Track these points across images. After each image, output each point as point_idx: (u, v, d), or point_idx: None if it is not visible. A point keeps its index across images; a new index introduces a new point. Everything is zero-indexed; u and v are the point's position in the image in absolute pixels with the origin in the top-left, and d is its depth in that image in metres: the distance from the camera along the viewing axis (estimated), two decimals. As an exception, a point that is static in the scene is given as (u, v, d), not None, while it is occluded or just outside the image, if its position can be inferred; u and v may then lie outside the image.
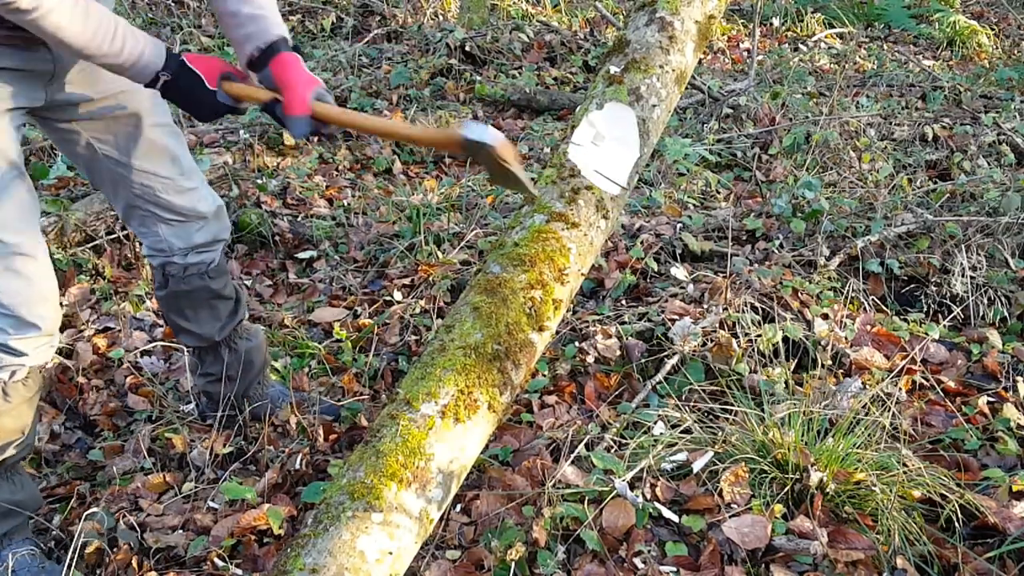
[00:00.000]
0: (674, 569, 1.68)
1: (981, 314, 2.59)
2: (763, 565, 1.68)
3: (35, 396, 1.77)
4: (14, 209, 1.62)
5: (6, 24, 1.50)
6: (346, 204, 3.59)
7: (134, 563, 1.77)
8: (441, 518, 1.71)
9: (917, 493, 1.80)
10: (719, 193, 3.61)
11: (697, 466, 1.86)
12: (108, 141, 1.81)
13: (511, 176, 1.62)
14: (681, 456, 1.90)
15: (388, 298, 2.81)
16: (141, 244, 3.09)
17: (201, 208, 1.94)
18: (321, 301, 2.91)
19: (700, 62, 4.64)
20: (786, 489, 1.79)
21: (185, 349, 2.56)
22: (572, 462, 1.90)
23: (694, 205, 3.43)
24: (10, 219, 1.62)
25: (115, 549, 1.82)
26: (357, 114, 1.77)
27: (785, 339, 2.30)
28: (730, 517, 1.73)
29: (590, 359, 2.37)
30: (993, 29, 6.52)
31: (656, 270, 2.81)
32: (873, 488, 1.75)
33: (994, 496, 1.83)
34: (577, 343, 2.42)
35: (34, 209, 1.68)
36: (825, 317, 2.44)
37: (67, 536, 1.88)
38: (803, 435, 1.87)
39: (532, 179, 1.73)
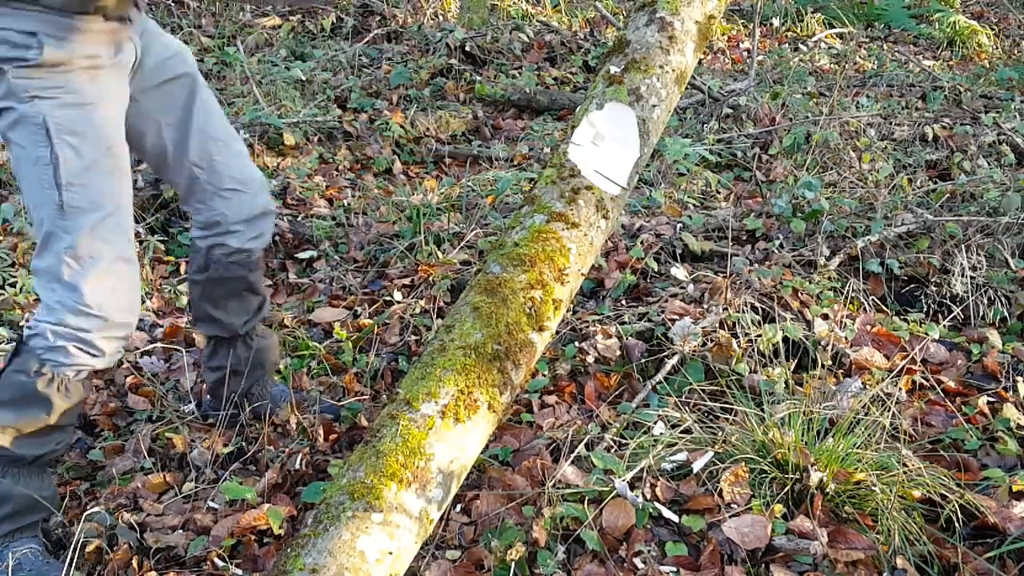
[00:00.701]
0: (674, 569, 1.68)
1: (981, 314, 2.59)
2: (763, 565, 1.68)
3: (84, 399, 1.81)
4: (124, 215, 1.71)
5: (104, 17, 1.60)
6: (346, 204, 3.59)
7: (134, 563, 1.77)
8: (441, 518, 1.71)
9: (917, 493, 1.80)
10: (719, 193, 3.61)
11: (697, 466, 1.86)
12: (168, 110, 1.88)
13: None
14: (681, 456, 1.90)
15: (388, 298, 2.81)
16: (146, 248, 3.11)
17: (252, 174, 2.01)
18: (321, 301, 2.91)
19: (700, 62, 4.64)
20: (786, 489, 1.79)
21: (197, 338, 2.57)
22: (572, 462, 1.90)
23: (694, 205, 3.43)
24: (124, 226, 1.71)
25: (114, 548, 1.82)
26: None
27: (785, 339, 2.30)
28: (730, 517, 1.73)
29: (590, 359, 2.37)
30: (993, 29, 6.52)
31: (656, 270, 2.81)
32: (873, 488, 1.75)
33: (994, 496, 1.83)
34: (577, 343, 2.42)
35: (131, 211, 1.76)
36: (825, 317, 2.44)
37: (67, 536, 1.88)
38: (803, 435, 1.87)
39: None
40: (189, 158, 1.92)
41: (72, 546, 1.69)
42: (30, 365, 1.71)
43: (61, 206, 1.64)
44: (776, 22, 6.65)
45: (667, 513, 1.78)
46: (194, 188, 1.96)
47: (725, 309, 2.42)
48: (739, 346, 2.27)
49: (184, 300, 2.89)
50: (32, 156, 1.63)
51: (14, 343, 1.78)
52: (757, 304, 2.46)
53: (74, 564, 1.69)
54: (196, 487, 2.02)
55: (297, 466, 2.02)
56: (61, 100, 1.61)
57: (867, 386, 2.12)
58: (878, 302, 2.64)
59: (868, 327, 2.46)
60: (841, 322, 2.42)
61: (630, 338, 2.39)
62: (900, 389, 2.15)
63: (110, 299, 1.69)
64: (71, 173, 1.63)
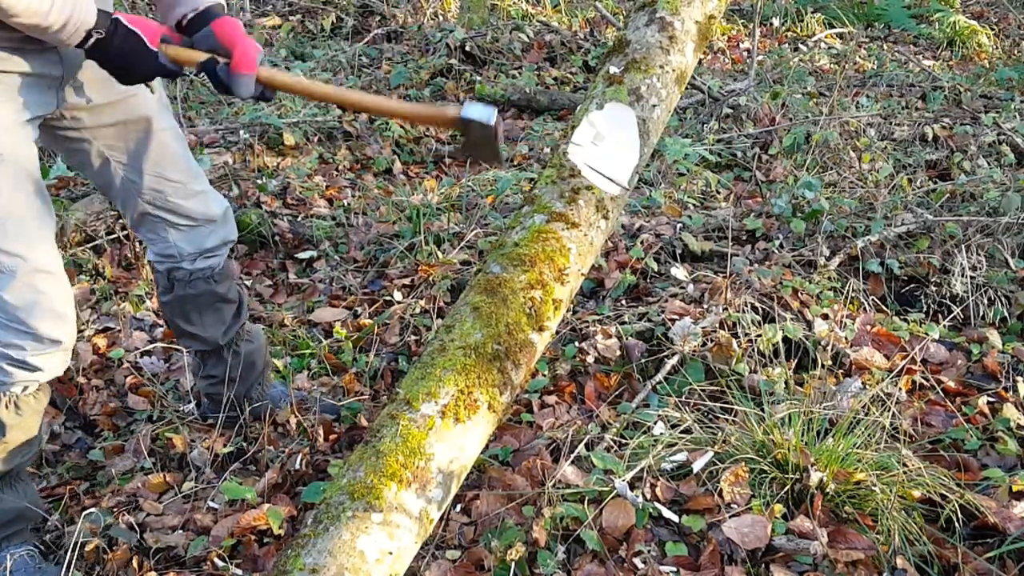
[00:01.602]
0: (674, 569, 1.68)
1: (981, 314, 2.58)
2: (763, 565, 1.68)
3: (44, 407, 1.77)
4: (34, 225, 1.62)
5: (14, 28, 1.49)
6: (346, 204, 3.59)
7: (134, 563, 1.77)
8: (441, 518, 1.71)
9: (917, 493, 1.79)
10: (719, 193, 3.61)
11: (697, 466, 1.86)
12: (118, 148, 1.81)
13: (491, 150, 1.65)
14: (681, 456, 1.90)
15: (388, 298, 2.81)
16: (143, 246, 3.11)
17: (211, 211, 1.95)
18: (321, 301, 2.91)
19: (700, 62, 4.64)
20: (786, 489, 1.79)
21: (186, 351, 2.57)
22: (572, 462, 1.90)
23: (694, 205, 3.43)
24: (31, 236, 1.61)
25: (114, 548, 1.82)
26: (307, 81, 1.75)
27: (785, 339, 2.30)
28: (730, 517, 1.73)
29: (590, 359, 2.36)
30: (993, 29, 6.52)
31: (656, 270, 2.81)
32: (873, 488, 1.75)
33: (994, 496, 1.83)
34: (577, 343, 2.42)
35: (51, 224, 1.67)
36: (825, 317, 2.44)
37: (66, 535, 1.88)
38: (803, 435, 1.87)
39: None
40: (143, 196, 1.86)
41: (71, 546, 1.69)
42: None
43: None
44: (776, 22, 6.64)
45: (667, 513, 1.77)
46: (145, 220, 1.91)
47: (725, 309, 2.42)
48: (739, 346, 2.27)
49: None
50: None
51: None
52: (757, 304, 2.46)
53: (73, 564, 1.69)
54: (196, 487, 2.02)
55: (297, 466, 2.02)
56: None
57: (867, 386, 2.12)
58: (878, 302, 2.64)
59: (868, 327, 2.46)
60: (841, 322, 2.41)
61: (630, 338, 2.39)
62: (900, 389, 2.15)
63: (30, 312, 1.61)
64: None
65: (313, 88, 1.74)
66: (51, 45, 1.56)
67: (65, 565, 1.67)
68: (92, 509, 1.91)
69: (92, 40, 1.54)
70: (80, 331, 2.66)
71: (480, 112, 1.62)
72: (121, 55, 1.57)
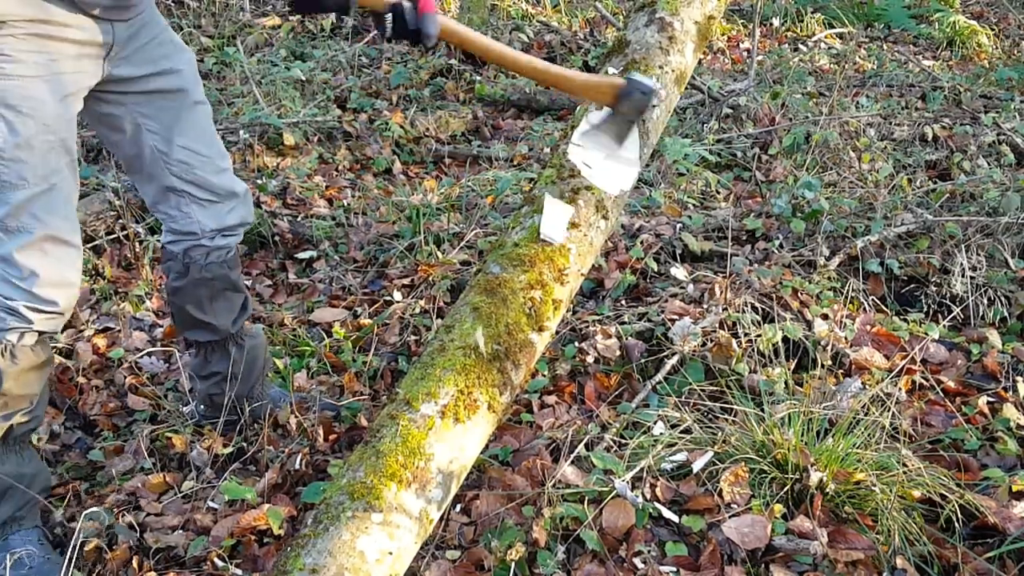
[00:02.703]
0: (674, 569, 1.68)
1: (981, 314, 2.59)
2: (763, 565, 1.68)
3: (44, 366, 1.78)
4: (59, 195, 1.67)
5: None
6: (346, 204, 3.59)
7: (134, 563, 1.77)
8: (441, 518, 1.71)
9: (917, 493, 1.80)
10: (719, 193, 3.61)
11: (697, 466, 1.86)
12: (153, 117, 1.84)
13: (623, 132, 1.80)
14: (681, 456, 1.90)
15: (388, 298, 2.81)
16: (143, 246, 3.11)
17: (235, 187, 1.98)
18: (321, 301, 2.91)
19: (700, 62, 4.64)
20: (786, 489, 1.79)
21: (186, 352, 2.56)
22: (572, 462, 1.90)
23: (694, 205, 3.43)
24: (54, 203, 1.66)
25: (113, 547, 1.82)
26: (476, 35, 1.76)
27: (785, 339, 2.30)
28: (730, 517, 1.73)
29: (590, 359, 2.37)
30: (993, 29, 6.52)
31: (656, 270, 2.81)
32: (873, 488, 1.75)
33: (994, 496, 1.83)
34: (577, 343, 2.42)
35: (75, 197, 1.72)
36: (825, 317, 2.44)
37: (65, 535, 1.88)
38: (803, 435, 1.87)
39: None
40: (170, 167, 1.88)
41: (71, 546, 1.69)
42: None
43: None
44: (776, 22, 6.64)
45: (667, 513, 1.78)
46: (169, 195, 1.93)
47: (725, 309, 2.42)
48: (739, 346, 2.27)
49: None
50: None
51: None
52: (757, 304, 2.46)
53: (73, 563, 1.69)
54: (196, 487, 2.02)
55: (297, 466, 2.02)
56: (1, 70, 1.55)
57: (867, 386, 2.12)
58: (878, 302, 2.64)
59: (868, 327, 2.46)
60: (841, 322, 2.42)
61: (630, 338, 2.39)
62: (900, 389, 2.15)
63: (35, 273, 1.66)
64: (3, 148, 1.58)
65: (484, 43, 1.75)
66: (111, 12, 1.62)
67: (66, 563, 1.67)
68: (94, 508, 1.91)
69: None
70: (80, 331, 2.66)
71: (645, 80, 1.75)
72: None
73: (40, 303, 1.68)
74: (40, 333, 1.73)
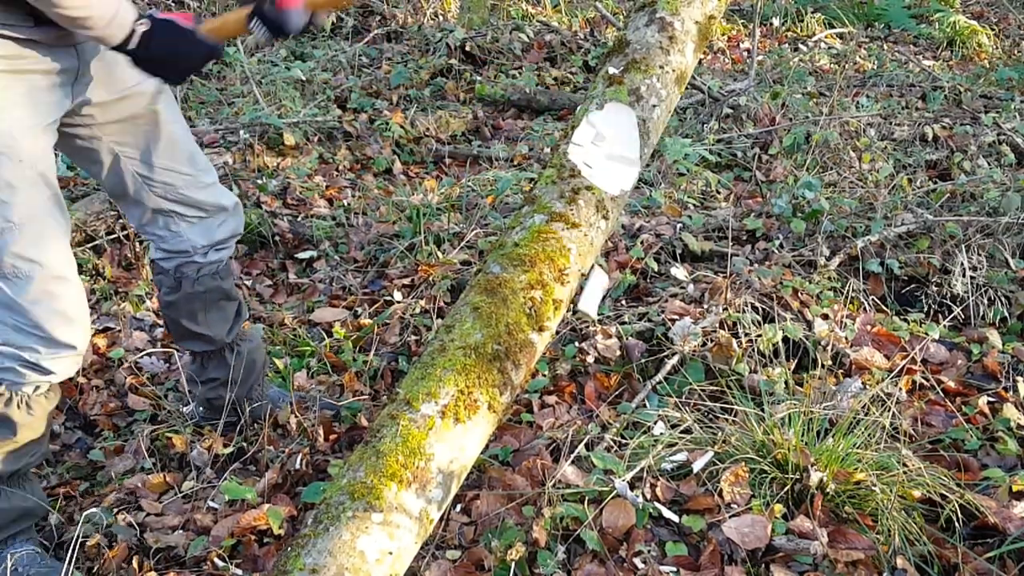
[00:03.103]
0: (674, 569, 1.68)
1: (981, 314, 2.58)
2: (763, 565, 1.68)
3: (54, 407, 1.77)
4: (51, 231, 1.62)
5: (37, 22, 1.47)
6: (346, 204, 3.59)
7: (135, 563, 1.77)
8: (441, 518, 1.71)
9: (917, 493, 1.79)
10: (719, 193, 3.61)
11: (697, 466, 1.86)
12: (129, 143, 1.80)
13: None
14: (681, 456, 1.90)
15: (388, 298, 2.81)
16: (144, 245, 3.11)
17: (222, 201, 1.95)
18: (321, 301, 2.91)
19: (700, 62, 4.64)
20: (786, 489, 1.79)
21: (185, 353, 2.56)
22: (572, 462, 1.90)
23: (694, 205, 3.43)
24: (48, 242, 1.61)
25: (113, 545, 1.83)
26: None
27: (785, 339, 2.30)
28: (730, 517, 1.73)
29: (590, 359, 2.36)
30: (993, 29, 6.52)
31: (656, 270, 2.81)
32: (873, 488, 1.75)
33: (994, 496, 1.83)
34: (577, 343, 2.42)
35: (67, 228, 1.67)
36: (825, 317, 2.44)
37: (68, 532, 1.88)
38: (803, 435, 1.87)
39: None
40: (154, 190, 1.85)
41: (71, 546, 1.69)
42: None
43: None
44: (776, 22, 6.64)
45: (667, 513, 1.77)
46: (157, 217, 1.90)
47: (725, 309, 2.42)
48: (739, 346, 2.27)
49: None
50: None
51: None
52: (757, 304, 2.46)
53: (73, 563, 1.69)
54: (196, 487, 2.02)
55: (297, 466, 2.02)
56: None
57: (867, 386, 2.12)
58: (878, 302, 2.63)
59: (868, 327, 2.46)
60: (841, 322, 2.41)
61: (630, 338, 2.39)
62: (900, 389, 2.15)
63: (47, 317, 1.62)
64: None
65: None
66: (67, 38, 1.54)
67: (66, 563, 1.67)
68: (93, 509, 1.91)
69: (137, 36, 1.53)
70: (80, 331, 2.65)
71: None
72: (167, 46, 1.56)
73: (59, 348, 1.66)
74: (54, 383, 1.71)
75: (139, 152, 1.82)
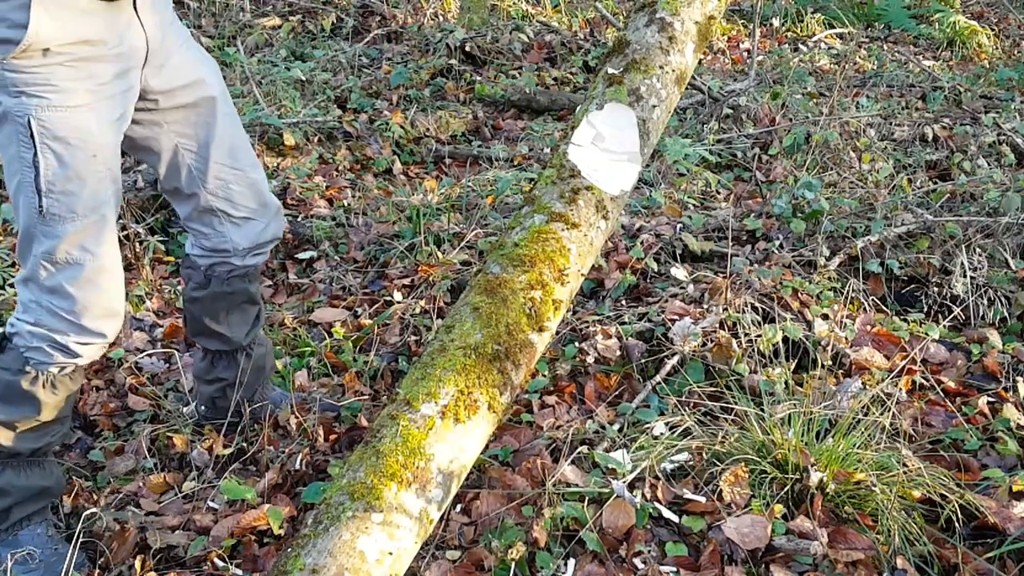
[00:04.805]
0: (674, 569, 1.68)
1: (981, 314, 2.58)
2: (763, 565, 1.68)
3: (78, 387, 1.80)
4: (108, 226, 1.67)
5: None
6: (346, 204, 3.59)
7: (136, 563, 1.78)
8: (441, 518, 1.71)
9: (917, 493, 1.80)
10: (719, 193, 3.61)
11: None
12: (188, 135, 1.82)
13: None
14: (682, 456, 1.90)
15: (388, 298, 2.81)
16: (144, 246, 3.11)
17: (268, 201, 1.97)
18: (321, 301, 2.91)
19: (700, 62, 4.64)
20: (786, 489, 1.79)
21: (186, 353, 2.56)
22: (572, 462, 1.90)
23: (694, 205, 3.43)
24: (103, 235, 1.66)
25: (113, 545, 1.83)
26: None
27: (785, 339, 2.30)
28: (730, 517, 1.73)
29: (590, 359, 2.37)
30: (993, 29, 6.52)
31: (656, 270, 2.81)
32: (873, 488, 1.76)
33: (994, 496, 1.83)
34: (577, 343, 2.42)
35: (116, 223, 1.72)
36: (825, 317, 2.44)
37: (68, 536, 1.88)
38: (803, 435, 1.87)
39: None
40: (207, 186, 1.87)
41: (71, 547, 1.69)
42: (14, 363, 1.70)
43: (41, 211, 1.58)
44: (776, 22, 6.64)
45: (667, 513, 1.78)
46: (204, 214, 1.92)
47: (725, 309, 2.42)
48: (739, 346, 2.27)
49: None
50: (16, 154, 1.57)
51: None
52: (757, 304, 2.46)
53: (73, 563, 1.69)
54: (196, 487, 2.02)
55: (297, 466, 2.02)
56: (48, 101, 1.53)
57: (867, 386, 2.12)
58: (878, 302, 2.64)
59: (868, 327, 2.46)
60: (841, 322, 2.42)
61: (630, 338, 2.39)
62: (900, 389, 2.15)
63: (87, 306, 1.65)
64: (53, 180, 1.56)
65: None
66: (140, 19, 1.60)
67: (66, 563, 1.67)
68: (95, 509, 1.91)
69: None
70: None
71: None
72: None
73: (89, 336, 1.69)
74: (80, 366, 1.74)
75: (197, 144, 1.84)
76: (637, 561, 1.70)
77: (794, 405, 1.93)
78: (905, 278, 2.75)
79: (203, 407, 2.22)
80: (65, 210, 1.60)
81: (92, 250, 1.64)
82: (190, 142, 1.83)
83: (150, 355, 2.59)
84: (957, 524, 1.76)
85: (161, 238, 3.26)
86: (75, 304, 1.64)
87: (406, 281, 2.91)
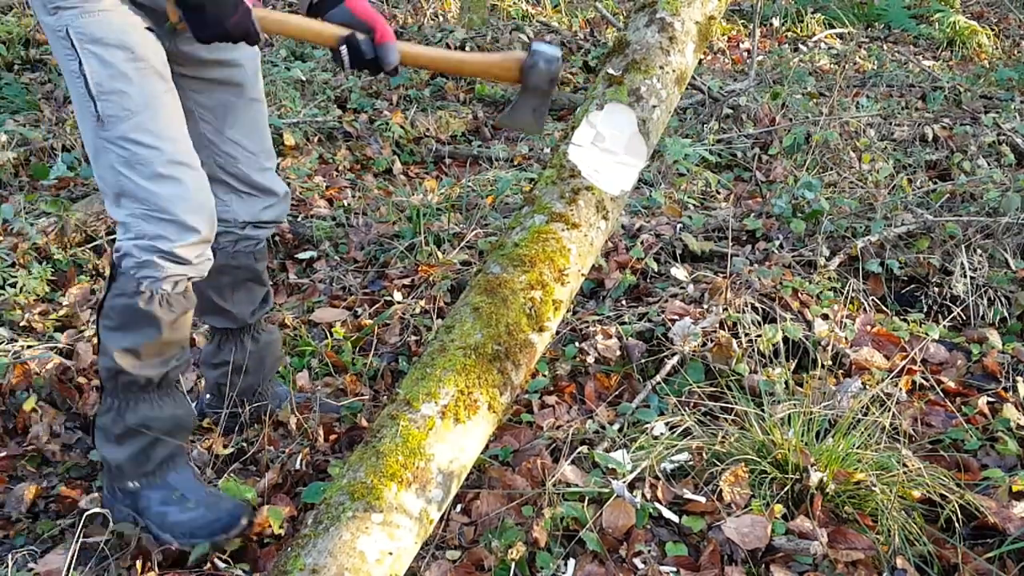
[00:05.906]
0: (674, 569, 1.68)
1: (981, 314, 2.59)
2: (763, 565, 1.68)
3: (192, 310, 1.81)
4: (166, 120, 1.69)
5: None
6: (346, 204, 3.60)
7: (136, 564, 1.77)
8: (441, 518, 1.71)
9: (917, 493, 1.80)
10: (719, 193, 3.61)
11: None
12: (208, 107, 1.87)
13: (539, 107, 1.73)
14: (682, 456, 1.90)
15: (388, 298, 2.81)
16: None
17: (275, 187, 2.01)
18: (321, 301, 2.91)
19: (700, 62, 4.64)
20: (786, 489, 1.79)
21: (200, 340, 2.56)
22: (572, 462, 1.90)
23: (694, 205, 3.43)
24: (164, 129, 1.68)
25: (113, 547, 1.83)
26: (438, 52, 1.84)
27: (785, 339, 2.30)
28: (730, 517, 1.73)
29: (590, 359, 2.37)
30: (993, 29, 6.52)
31: (656, 270, 2.81)
32: (873, 488, 1.76)
33: (994, 496, 1.83)
34: (577, 343, 2.42)
35: (183, 120, 1.74)
36: (825, 317, 2.44)
37: (65, 534, 1.88)
38: (803, 435, 1.87)
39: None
40: (216, 157, 1.91)
41: (71, 547, 1.69)
42: (127, 286, 1.71)
43: (99, 117, 1.64)
44: (776, 22, 6.65)
45: (667, 513, 1.78)
46: (209, 182, 1.93)
47: (725, 309, 2.42)
48: (739, 346, 2.27)
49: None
50: (68, 70, 1.64)
51: (110, 268, 1.77)
52: (757, 304, 2.46)
53: (73, 563, 1.69)
54: (196, 487, 2.02)
55: (297, 466, 2.02)
56: (80, 8, 1.60)
57: (867, 386, 2.12)
58: (878, 302, 2.64)
59: (868, 327, 2.46)
60: (841, 322, 2.42)
61: (630, 338, 2.39)
62: (900, 389, 2.15)
63: (171, 199, 1.67)
64: (100, 82, 1.62)
65: (434, 56, 1.81)
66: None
67: (66, 564, 1.67)
68: (95, 509, 1.90)
69: None
70: (80, 331, 2.66)
71: (548, 48, 1.72)
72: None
73: (187, 233, 1.69)
74: (190, 279, 1.76)
75: (215, 118, 1.88)
76: (637, 561, 1.70)
77: (794, 405, 1.94)
78: (905, 278, 2.75)
79: (208, 395, 2.24)
80: (119, 109, 1.64)
81: (155, 145, 1.66)
82: (208, 114, 1.88)
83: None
84: (957, 524, 1.76)
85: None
86: (159, 199, 1.66)
87: (406, 281, 2.91)
